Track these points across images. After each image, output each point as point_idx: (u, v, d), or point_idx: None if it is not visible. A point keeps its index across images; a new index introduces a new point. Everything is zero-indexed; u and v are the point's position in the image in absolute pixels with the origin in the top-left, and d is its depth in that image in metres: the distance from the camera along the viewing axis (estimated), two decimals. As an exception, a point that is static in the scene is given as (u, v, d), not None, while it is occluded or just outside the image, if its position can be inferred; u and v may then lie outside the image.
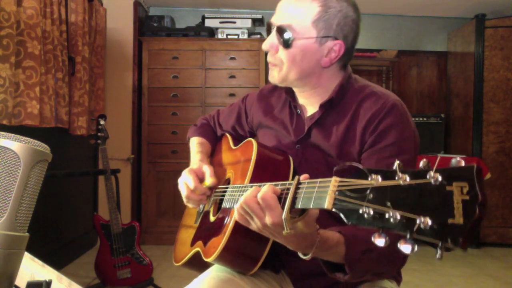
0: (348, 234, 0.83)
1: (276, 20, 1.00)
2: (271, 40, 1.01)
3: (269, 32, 1.04)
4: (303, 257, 0.80)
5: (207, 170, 1.11)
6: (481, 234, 3.78)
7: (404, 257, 0.93)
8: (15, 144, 0.56)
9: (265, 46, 1.03)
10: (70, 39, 2.87)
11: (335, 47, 0.99)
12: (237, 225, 0.92)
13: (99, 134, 2.57)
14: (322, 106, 1.03)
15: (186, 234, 1.22)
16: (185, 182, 1.10)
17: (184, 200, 1.12)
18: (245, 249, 0.95)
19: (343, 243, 0.82)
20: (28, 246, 0.59)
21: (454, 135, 4.13)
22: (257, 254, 0.95)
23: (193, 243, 1.13)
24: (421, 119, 3.86)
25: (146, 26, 3.76)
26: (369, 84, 1.06)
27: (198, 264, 1.12)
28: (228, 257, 0.96)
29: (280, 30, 0.98)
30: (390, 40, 4.35)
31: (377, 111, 0.96)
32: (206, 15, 3.83)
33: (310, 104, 1.09)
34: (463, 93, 4.01)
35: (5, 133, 0.57)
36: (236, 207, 0.79)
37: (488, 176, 3.61)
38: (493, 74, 3.77)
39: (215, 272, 1.04)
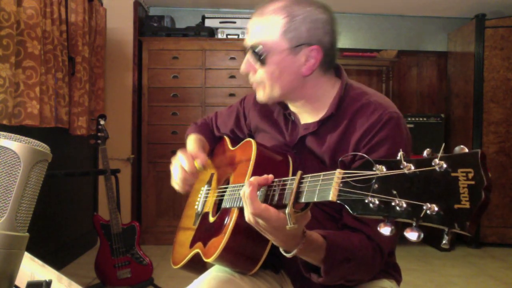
0: (330, 241, 0.84)
1: (248, 41, 1.01)
2: (247, 62, 1.02)
3: (245, 54, 1.04)
4: (285, 254, 0.82)
5: (200, 154, 1.13)
6: (481, 234, 3.78)
7: (378, 267, 0.94)
8: (15, 144, 0.56)
9: (242, 69, 1.03)
10: (70, 39, 2.87)
11: (312, 53, 0.97)
12: (237, 225, 0.92)
13: (99, 134, 2.57)
14: (320, 122, 1.01)
15: (185, 236, 1.22)
16: (180, 164, 1.11)
17: (175, 181, 1.12)
18: (245, 249, 0.95)
19: (325, 249, 0.83)
20: (28, 246, 0.59)
21: (454, 135, 4.13)
22: (258, 254, 0.95)
23: (192, 245, 1.12)
24: (421, 119, 3.85)
25: (146, 26, 3.76)
26: (366, 91, 1.03)
27: (197, 266, 1.12)
28: (229, 257, 0.96)
29: (252, 50, 0.99)
30: (390, 40, 4.35)
31: (373, 123, 0.94)
32: (206, 15, 3.83)
33: (302, 112, 1.08)
34: (463, 93, 4.01)
35: (5, 133, 0.57)
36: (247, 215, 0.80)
37: (488, 176, 3.60)
38: (493, 74, 3.77)
39: (215, 272, 1.04)
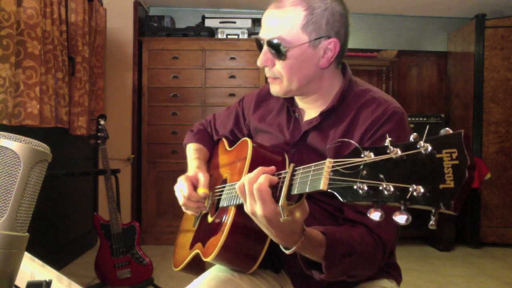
0: (330, 236, 0.84)
1: (264, 34, 0.99)
2: (265, 55, 1.00)
3: (259, 47, 1.02)
4: (285, 251, 0.81)
5: (202, 178, 1.10)
6: (481, 234, 3.78)
7: (381, 260, 0.92)
8: (15, 144, 0.56)
9: (260, 62, 1.01)
10: (70, 39, 2.87)
11: (330, 45, 0.98)
12: (235, 223, 0.93)
13: (99, 134, 2.57)
14: (322, 114, 1.02)
15: (185, 238, 1.22)
16: (181, 189, 1.09)
17: (182, 207, 1.12)
18: (243, 247, 0.95)
19: (325, 245, 0.83)
20: (28, 246, 0.59)
21: (454, 135, 4.13)
22: (256, 251, 0.95)
23: (192, 246, 1.12)
24: (421, 119, 3.86)
25: (146, 26, 3.76)
26: (370, 88, 1.05)
27: (197, 267, 1.12)
28: (227, 255, 0.96)
29: (271, 44, 0.97)
30: (390, 40, 4.35)
31: (377, 117, 0.96)
32: (206, 15, 3.83)
33: (310, 108, 1.08)
34: (463, 93, 4.01)
35: (5, 133, 0.57)
36: (239, 183, 0.79)
37: (488, 176, 3.61)
38: (493, 74, 3.77)
39: (215, 272, 1.04)
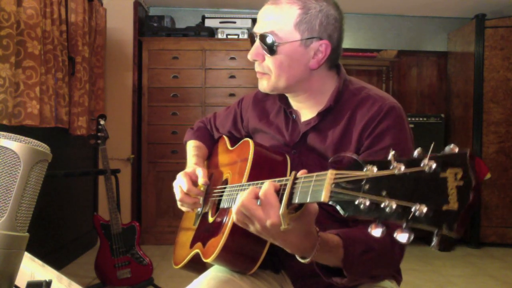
0: (346, 236, 0.82)
1: (258, 29, 1.00)
2: (256, 49, 1.00)
3: (252, 42, 1.03)
4: (302, 261, 0.79)
5: (200, 172, 1.10)
6: (481, 234, 3.78)
7: (399, 257, 0.92)
8: (15, 144, 0.56)
9: (250, 56, 1.02)
10: (70, 39, 2.87)
11: (321, 47, 0.98)
12: (235, 224, 0.92)
13: (99, 134, 2.57)
14: (320, 114, 1.02)
15: (185, 237, 1.22)
16: (179, 185, 1.09)
17: (178, 203, 1.11)
18: (244, 248, 0.95)
19: (342, 245, 0.81)
20: (28, 246, 0.59)
21: (454, 135, 4.13)
22: (257, 253, 0.95)
23: (192, 245, 1.13)
24: (421, 119, 3.85)
25: (146, 26, 3.76)
26: (364, 86, 1.05)
27: (197, 266, 1.12)
28: (228, 256, 0.96)
29: (263, 38, 0.97)
30: (390, 40, 4.35)
31: (374, 114, 0.96)
32: (206, 15, 3.83)
33: (304, 108, 1.08)
34: (463, 93, 4.01)
35: (5, 133, 0.57)
36: (234, 209, 0.77)
37: (488, 176, 3.61)
38: (493, 74, 3.77)
39: (215, 272, 1.04)
